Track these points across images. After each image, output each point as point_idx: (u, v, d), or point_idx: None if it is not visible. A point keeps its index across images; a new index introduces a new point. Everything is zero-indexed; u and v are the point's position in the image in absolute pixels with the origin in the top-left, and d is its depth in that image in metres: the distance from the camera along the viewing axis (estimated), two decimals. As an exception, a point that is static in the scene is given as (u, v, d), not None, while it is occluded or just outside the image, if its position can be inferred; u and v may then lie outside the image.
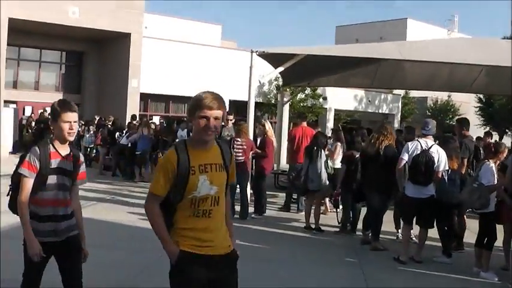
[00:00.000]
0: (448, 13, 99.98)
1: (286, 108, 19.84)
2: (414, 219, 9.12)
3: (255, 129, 13.63)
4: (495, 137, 32.32)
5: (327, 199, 12.64)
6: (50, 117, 4.72)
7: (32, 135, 26.62)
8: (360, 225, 10.55)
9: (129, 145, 18.39)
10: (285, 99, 19.82)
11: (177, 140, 16.30)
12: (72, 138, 4.52)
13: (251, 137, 12.56)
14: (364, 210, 10.45)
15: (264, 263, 8.34)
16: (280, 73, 15.42)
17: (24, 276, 4.57)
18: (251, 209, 12.17)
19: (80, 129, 23.90)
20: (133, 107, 28.21)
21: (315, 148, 10.71)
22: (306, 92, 33.39)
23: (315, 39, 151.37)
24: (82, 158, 4.70)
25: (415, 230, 9.36)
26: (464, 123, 10.46)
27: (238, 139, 11.74)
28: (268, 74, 14.51)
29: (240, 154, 11.62)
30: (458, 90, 22.73)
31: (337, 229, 11.11)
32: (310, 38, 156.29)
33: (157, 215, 3.75)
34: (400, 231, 10.29)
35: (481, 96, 43.45)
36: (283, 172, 16.77)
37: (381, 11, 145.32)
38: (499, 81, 17.62)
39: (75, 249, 4.63)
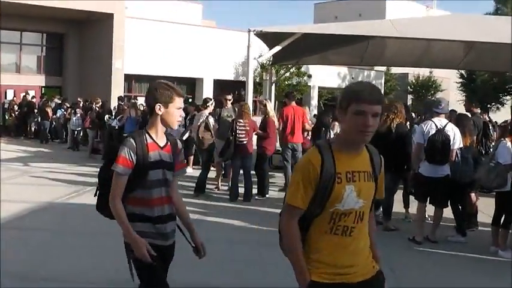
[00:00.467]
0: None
1: (273, 86, 19.67)
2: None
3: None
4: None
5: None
6: (145, 104, 4.16)
7: (15, 119, 26.23)
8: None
9: (117, 127, 18.08)
10: (273, 78, 19.63)
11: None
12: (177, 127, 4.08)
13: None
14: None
15: (275, 247, 8.17)
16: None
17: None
18: (254, 191, 12.01)
19: (66, 112, 23.55)
20: (117, 88, 27.86)
21: (324, 129, 10.54)
22: (291, 70, 33.24)
23: (294, 17, 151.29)
24: (180, 145, 4.13)
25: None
26: (473, 100, 10.36)
27: (241, 120, 11.52)
28: (266, 54, 14.26)
29: (243, 135, 11.43)
30: (448, 67, 22.74)
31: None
32: (289, 16, 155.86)
33: (297, 238, 3.07)
34: (409, 210, 10.25)
35: (463, 72, 43.64)
36: (277, 152, 16.58)
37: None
38: (489, 57, 17.70)
39: (171, 257, 4.12)
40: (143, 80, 31.39)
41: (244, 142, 11.42)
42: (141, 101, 26.24)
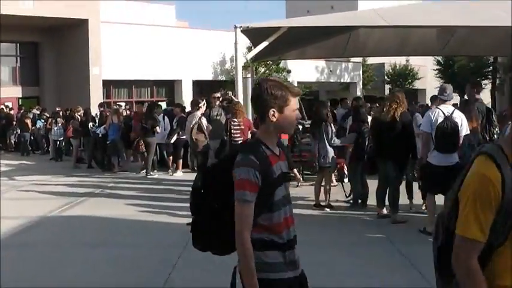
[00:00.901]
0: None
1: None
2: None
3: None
4: (456, 99, 32.54)
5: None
6: (261, 103, 3.20)
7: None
8: (371, 200, 10.26)
9: (100, 135, 17.74)
10: (253, 76, 19.36)
11: (157, 128, 15.67)
12: None
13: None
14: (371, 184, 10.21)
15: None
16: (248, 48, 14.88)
17: None
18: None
19: (46, 122, 23.04)
20: (96, 95, 27.44)
21: (324, 123, 10.27)
22: (270, 66, 33.06)
23: (266, 11, 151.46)
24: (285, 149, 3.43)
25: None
26: (477, 85, 10.18)
27: (235, 119, 11.27)
28: (254, 50, 13.93)
29: (238, 135, 11.19)
30: (431, 54, 22.71)
31: (341, 204, 10.82)
32: (261, 11, 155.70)
33: (482, 284, 2.38)
34: (413, 201, 10.11)
35: (440, 58, 43.79)
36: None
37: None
38: (469, 42, 17.69)
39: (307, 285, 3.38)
40: (121, 85, 30.99)
41: (239, 141, 11.15)
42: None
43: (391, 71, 49.02)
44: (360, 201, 10.63)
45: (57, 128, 21.04)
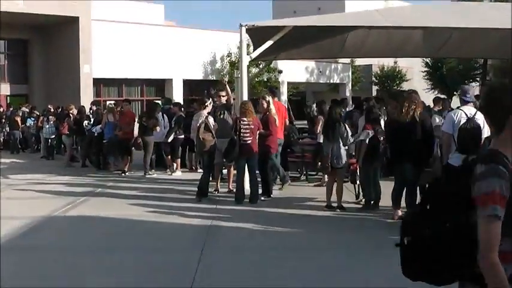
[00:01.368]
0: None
1: (245, 84, 19.15)
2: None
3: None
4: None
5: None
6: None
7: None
8: (383, 202, 10.11)
9: (96, 134, 17.45)
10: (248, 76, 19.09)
11: (158, 128, 15.46)
12: None
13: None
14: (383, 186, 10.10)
15: (300, 252, 7.75)
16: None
17: None
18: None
19: (37, 120, 22.65)
20: (86, 93, 27.06)
21: (339, 123, 10.09)
22: (261, 66, 32.89)
23: (253, 13, 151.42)
24: None
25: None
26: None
27: (245, 118, 10.99)
28: (259, 49, 13.69)
29: (248, 135, 10.93)
30: (426, 56, 22.66)
31: (352, 206, 10.67)
32: (248, 12, 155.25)
33: None
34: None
35: (428, 60, 43.87)
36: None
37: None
38: (469, 44, 17.62)
39: None
40: (111, 83, 30.64)
41: (249, 141, 10.93)
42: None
43: (379, 72, 49.08)
44: (372, 202, 10.47)
45: (48, 126, 20.68)
